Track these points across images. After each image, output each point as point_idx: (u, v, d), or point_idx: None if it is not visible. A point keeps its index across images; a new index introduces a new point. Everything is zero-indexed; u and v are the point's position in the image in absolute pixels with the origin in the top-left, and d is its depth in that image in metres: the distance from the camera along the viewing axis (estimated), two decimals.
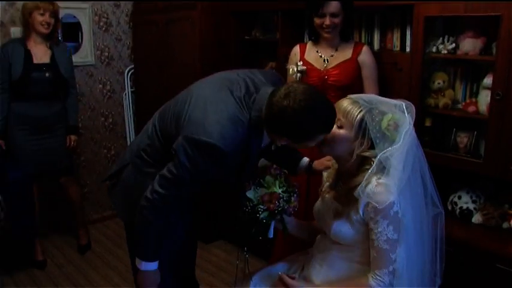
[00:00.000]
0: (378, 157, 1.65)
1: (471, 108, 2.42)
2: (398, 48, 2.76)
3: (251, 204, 1.77)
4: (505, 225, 2.42)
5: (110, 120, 4.40)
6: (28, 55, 3.27)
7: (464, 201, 2.55)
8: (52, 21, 3.30)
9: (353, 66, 2.60)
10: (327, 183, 1.93)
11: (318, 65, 2.66)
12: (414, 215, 1.72)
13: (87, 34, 4.09)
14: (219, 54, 3.61)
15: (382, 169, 1.66)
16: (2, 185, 3.05)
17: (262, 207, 1.76)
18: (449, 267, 1.85)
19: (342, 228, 1.73)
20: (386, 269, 1.62)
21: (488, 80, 2.31)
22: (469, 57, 2.40)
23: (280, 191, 1.78)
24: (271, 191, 1.77)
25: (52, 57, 3.36)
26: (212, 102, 1.72)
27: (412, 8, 2.47)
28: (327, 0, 2.49)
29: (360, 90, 2.56)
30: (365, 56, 2.61)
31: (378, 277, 1.63)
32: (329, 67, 2.62)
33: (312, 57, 2.69)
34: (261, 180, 1.81)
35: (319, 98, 1.62)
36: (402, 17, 2.72)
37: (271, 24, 3.46)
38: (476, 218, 2.50)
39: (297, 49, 2.78)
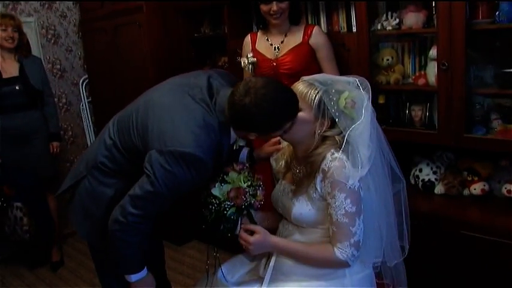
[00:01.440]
0: (346, 137, 1.65)
1: (421, 81, 2.45)
2: (345, 30, 2.77)
3: (217, 202, 1.75)
4: (466, 192, 2.47)
5: (70, 133, 4.34)
6: None
7: (426, 173, 2.59)
8: (16, 35, 3.40)
9: (305, 50, 2.56)
10: (281, 164, 1.93)
11: (269, 54, 2.63)
12: (377, 188, 1.73)
13: (36, 48, 3.99)
14: (170, 55, 3.57)
15: (340, 145, 1.67)
16: (18, 193, 3.35)
17: (228, 203, 1.74)
18: (415, 240, 1.86)
19: (303, 211, 1.72)
20: (347, 241, 1.62)
21: (433, 52, 2.34)
22: (413, 31, 2.42)
23: (245, 185, 1.76)
24: (237, 186, 1.76)
25: (21, 70, 3.45)
26: (177, 111, 1.69)
27: None
28: None
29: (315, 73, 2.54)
30: (317, 38, 2.56)
31: (340, 249, 1.63)
32: (280, 55, 2.60)
33: (263, 46, 2.67)
34: (225, 177, 1.78)
35: (279, 87, 1.65)
36: None
37: (219, 19, 3.43)
38: (438, 189, 2.54)
39: (248, 39, 2.75)
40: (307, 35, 2.57)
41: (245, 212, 1.80)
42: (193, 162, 1.63)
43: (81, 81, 4.35)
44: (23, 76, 3.45)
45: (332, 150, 1.66)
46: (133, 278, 1.81)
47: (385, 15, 2.51)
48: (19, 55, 3.47)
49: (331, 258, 1.65)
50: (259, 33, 2.73)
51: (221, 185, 1.77)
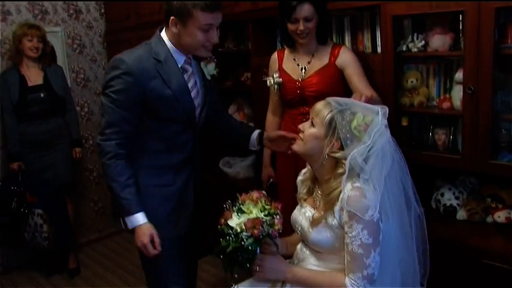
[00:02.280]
0: (348, 159, 1.63)
1: (446, 105, 2.41)
2: (370, 50, 2.75)
3: (234, 232, 1.72)
4: (489, 219, 2.41)
5: (91, 142, 4.36)
6: (22, 79, 3.52)
7: (447, 198, 2.54)
8: (40, 45, 3.54)
9: (331, 72, 2.51)
10: (304, 190, 1.91)
11: (295, 74, 2.58)
12: (395, 217, 1.70)
13: (61, 57, 4.06)
14: None
15: (357, 174, 1.65)
16: (40, 200, 3.44)
17: (246, 234, 1.70)
18: (436, 266, 1.83)
19: (321, 236, 1.71)
20: (360, 273, 1.59)
21: (459, 75, 2.31)
22: (439, 53, 2.39)
23: (262, 215, 1.74)
24: (254, 217, 1.73)
25: (45, 78, 3.60)
26: None
27: (380, 8, 2.46)
28: (299, 4, 2.38)
29: (341, 96, 2.49)
30: (344, 57, 2.50)
31: (351, 280, 1.61)
32: (306, 77, 2.54)
33: (290, 66, 2.63)
34: (241, 207, 1.77)
35: None
36: (372, 17, 2.71)
37: (243, 35, 3.44)
38: (461, 214, 2.48)
39: (275, 56, 2.71)
40: (334, 56, 2.52)
41: (263, 241, 1.76)
42: (118, 65, 1.93)
43: None
44: (47, 84, 3.59)
45: (353, 179, 1.64)
46: (131, 223, 1.98)
47: (410, 36, 2.48)
48: (43, 64, 3.61)
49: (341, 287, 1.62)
50: (286, 52, 2.68)
51: (238, 215, 1.75)
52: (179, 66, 2.03)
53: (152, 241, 1.97)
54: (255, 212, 1.74)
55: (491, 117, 2.18)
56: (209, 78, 2.19)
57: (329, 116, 1.69)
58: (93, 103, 4.37)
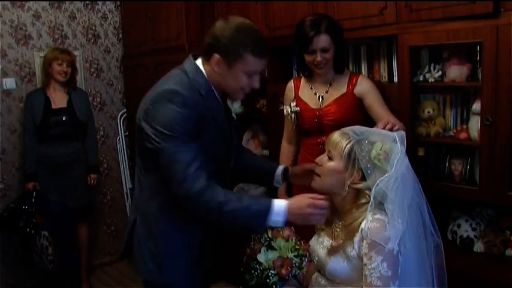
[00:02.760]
0: (373, 191, 1.62)
1: (463, 135, 2.40)
2: (386, 79, 2.76)
3: (261, 268, 1.69)
4: (508, 252, 2.36)
5: (105, 165, 4.39)
6: (47, 101, 3.59)
7: (464, 229, 2.50)
8: (69, 70, 3.62)
9: (350, 101, 2.50)
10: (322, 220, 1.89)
11: (313, 103, 2.57)
12: (414, 247, 1.67)
13: (79, 80, 4.09)
14: None
15: (379, 204, 1.64)
16: (47, 222, 3.41)
17: (273, 272, 1.68)
18: None
19: (338, 266, 1.68)
20: None
21: (477, 106, 2.29)
22: (456, 84, 2.39)
23: (292, 255, 1.71)
24: (284, 256, 1.70)
25: (69, 102, 3.66)
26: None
27: (397, 38, 2.48)
28: (316, 35, 2.38)
29: (360, 125, 2.48)
30: (362, 85, 2.50)
31: None
32: (324, 105, 2.53)
33: (306, 94, 2.62)
34: (271, 242, 1.73)
35: (254, 26, 1.82)
36: (388, 47, 2.73)
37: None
38: (478, 247, 2.44)
39: (291, 85, 2.71)
40: (351, 85, 2.51)
41: (287, 281, 1.73)
42: (170, 97, 1.70)
43: (119, 115, 4.44)
44: (70, 108, 3.65)
45: (374, 211, 1.62)
46: (271, 221, 1.72)
47: (427, 66, 2.49)
48: (68, 88, 3.68)
49: None
50: (302, 80, 2.67)
51: (267, 251, 1.72)
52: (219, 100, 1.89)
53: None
54: (286, 251, 1.70)
55: (509, 148, 2.16)
56: (235, 116, 2.12)
57: (348, 147, 1.67)
58: (109, 126, 4.41)
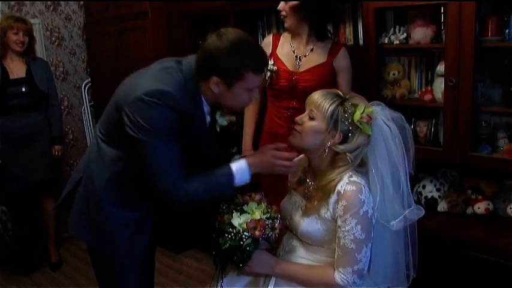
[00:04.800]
0: (353, 153, 1.64)
1: (427, 97, 2.42)
2: (352, 42, 2.75)
3: (234, 231, 1.70)
4: (469, 210, 2.43)
5: (71, 136, 4.31)
6: (4, 72, 3.43)
7: (429, 190, 2.55)
8: (26, 39, 3.46)
9: (326, 71, 2.45)
10: (295, 179, 1.90)
11: (290, 64, 2.50)
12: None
13: (40, 50, 3.96)
14: None
15: (356, 167, 1.65)
16: (4, 196, 3.35)
17: (246, 234, 1.68)
18: (418, 258, 1.83)
19: (311, 227, 1.69)
20: (351, 268, 1.59)
21: (441, 68, 2.31)
22: (421, 46, 2.40)
23: (264, 217, 1.72)
24: (258, 218, 1.71)
25: (28, 72, 3.51)
26: (141, 73, 1.78)
27: (362, 0, 2.46)
28: None
29: None
30: (342, 61, 2.46)
31: (341, 274, 1.60)
32: (301, 70, 2.47)
33: (285, 52, 2.52)
34: (244, 207, 1.75)
35: (251, 40, 1.71)
36: (353, 10, 2.71)
37: (224, 27, 3.39)
38: (442, 206, 2.50)
39: (268, 40, 2.60)
40: (332, 55, 2.46)
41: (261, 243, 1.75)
42: (158, 96, 1.62)
43: (83, 85, 4.33)
44: (29, 78, 3.50)
45: (350, 173, 1.63)
46: (237, 180, 1.74)
47: (392, 29, 2.49)
48: (27, 57, 3.53)
49: (331, 282, 1.62)
50: (283, 38, 2.57)
51: (239, 215, 1.73)
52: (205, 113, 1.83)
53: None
54: (258, 214, 1.71)
55: (472, 109, 2.20)
56: (218, 130, 2.05)
57: (331, 108, 1.64)
58: (73, 97, 4.31)
